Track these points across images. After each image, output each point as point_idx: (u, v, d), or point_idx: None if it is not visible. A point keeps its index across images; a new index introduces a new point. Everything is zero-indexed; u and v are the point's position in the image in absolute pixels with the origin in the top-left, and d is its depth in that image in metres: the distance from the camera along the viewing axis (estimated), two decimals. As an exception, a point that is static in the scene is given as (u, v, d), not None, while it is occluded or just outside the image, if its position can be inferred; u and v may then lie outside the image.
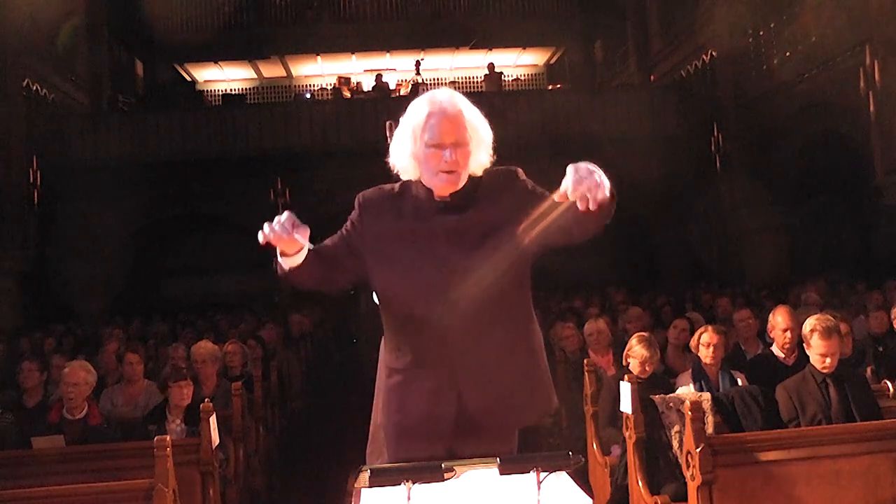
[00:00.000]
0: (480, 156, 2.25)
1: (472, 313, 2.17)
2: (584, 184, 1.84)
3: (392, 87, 17.37)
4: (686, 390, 4.43)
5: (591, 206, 1.84)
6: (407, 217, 2.24)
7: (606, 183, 1.87)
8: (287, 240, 2.06)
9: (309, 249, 2.17)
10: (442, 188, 2.21)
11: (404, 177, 2.28)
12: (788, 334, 4.70)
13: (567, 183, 1.87)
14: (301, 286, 2.31)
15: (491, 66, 17.32)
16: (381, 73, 17.61)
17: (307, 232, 2.08)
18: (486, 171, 2.27)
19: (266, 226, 2.04)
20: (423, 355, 2.22)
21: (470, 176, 2.24)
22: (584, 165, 1.88)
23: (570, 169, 1.88)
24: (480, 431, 2.20)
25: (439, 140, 2.17)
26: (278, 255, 2.17)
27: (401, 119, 2.28)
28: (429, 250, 2.20)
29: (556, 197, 1.97)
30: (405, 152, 2.24)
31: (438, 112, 2.19)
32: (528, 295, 2.33)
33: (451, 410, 2.19)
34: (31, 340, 8.97)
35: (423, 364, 2.22)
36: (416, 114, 2.22)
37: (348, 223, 2.32)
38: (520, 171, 2.27)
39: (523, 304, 2.31)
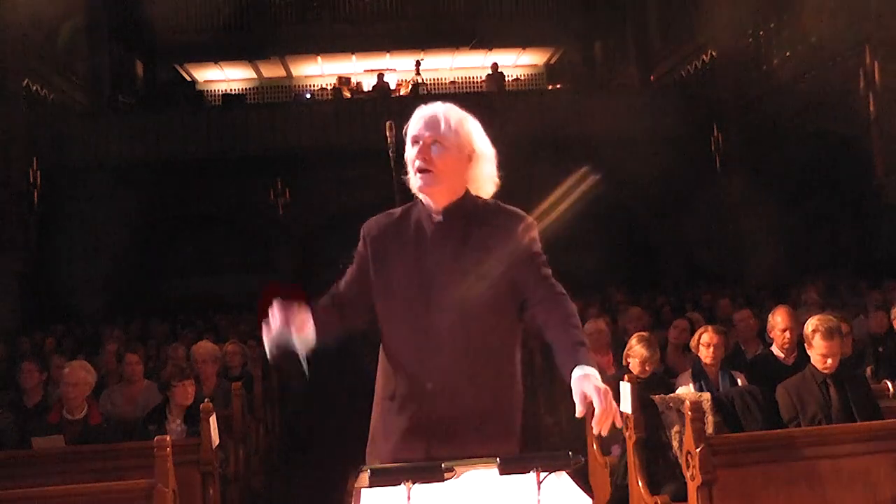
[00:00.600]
0: (478, 169, 2.23)
1: (457, 341, 2.17)
2: (603, 407, 1.86)
3: (392, 87, 17.37)
4: (686, 390, 4.43)
5: (596, 430, 1.88)
6: (406, 239, 2.24)
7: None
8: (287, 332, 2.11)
9: (320, 308, 2.21)
10: (421, 191, 2.20)
11: (413, 189, 2.28)
12: (788, 334, 4.70)
13: (586, 389, 1.89)
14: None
15: (494, 66, 17.32)
16: (383, 72, 17.60)
17: (306, 319, 2.14)
18: (500, 206, 2.26)
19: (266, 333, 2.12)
20: (404, 392, 2.23)
21: (475, 197, 2.24)
22: (604, 387, 1.90)
23: (590, 383, 1.90)
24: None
25: (414, 134, 2.20)
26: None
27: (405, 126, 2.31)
28: (420, 271, 2.19)
29: (568, 373, 1.98)
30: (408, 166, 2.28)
31: (418, 114, 2.23)
32: (515, 334, 2.29)
33: (423, 437, 2.21)
34: (31, 340, 8.97)
35: (401, 400, 2.23)
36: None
37: (356, 256, 2.34)
38: (533, 223, 2.26)
39: (507, 342, 2.27)
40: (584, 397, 1.89)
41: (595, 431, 1.90)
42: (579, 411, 1.89)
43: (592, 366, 1.98)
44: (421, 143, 2.18)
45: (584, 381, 1.92)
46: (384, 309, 2.25)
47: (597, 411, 1.87)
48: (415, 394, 2.21)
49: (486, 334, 2.20)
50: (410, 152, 2.21)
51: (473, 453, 2.04)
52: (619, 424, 1.92)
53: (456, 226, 2.20)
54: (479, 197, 2.26)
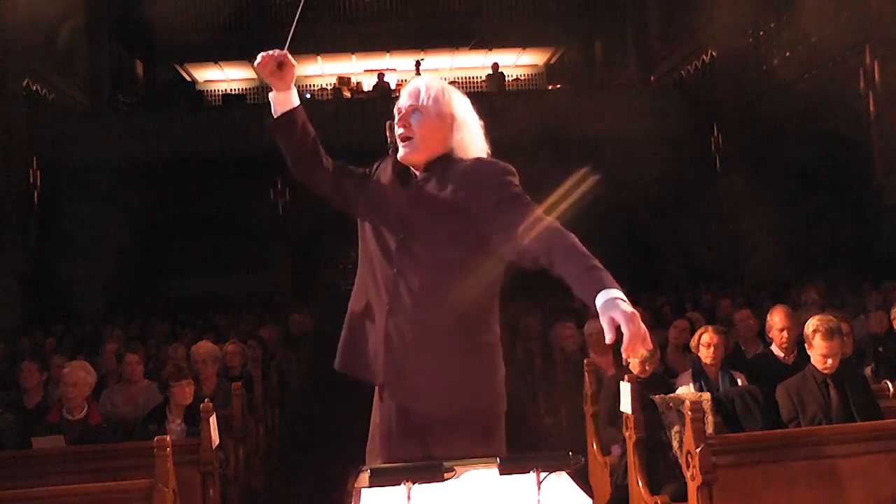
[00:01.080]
0: (459, 133, 2.27)
1: (417, 303, 2.19)
2: (631, 332, 1.82)
3: (392, 87, 17.37)
4: (686, 390, 4.43)
5: (625, 356, 1.87)
6: (382, 183, 2.33)
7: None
8: (273, 63, 2.24)
9: (300, 108, 2.30)
10: (403, 158, 2.27)
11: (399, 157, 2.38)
12: (786, 334, 4.70)
13: (613, 314, 1.85)
14: (288, 154, 2.36)
15: (495, 66, 17.32)
16: (383, 72, 17.59)
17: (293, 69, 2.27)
18: (476, 159, 2.27)
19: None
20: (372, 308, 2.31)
21: (458, 158, 2.26)
22: (631, 311, 1.86)
23: (618, 308, 1.85)
24: (426, 433, 2.20)
25: (398, 106, 2.30)
26: (272, 103, 2.29)
27: None
28: (387, 219, 2.26)
29: (592, 301, 1.93)
30: None
31: (404, 87, 2.35)
32: (491, 304, 2.26)
33: (389, 412, 2.25)
34: (31, 340, 8.97)
35: (370, 314, 2.31)
36: None
37: (366, 171, 2.45)
38: (511, 169, 2.23)
39: (481, 311, 2.24)
40: (612, 321, 1.85)
41: (624, 357, 1.90)
42: (609, 338, 1.86)
43: (614, 286, 1.91)
44: (403, 110, 2.27)
45: (611, 305, 1.86)
46: (363, 250, 2.34)
47: (625, 337, 1.83)
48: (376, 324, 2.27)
49: (458, 294, 2.17)
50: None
51: (446, 427, 2.12)
52: (648, 348, 1.88)
53: (432, 183, 2.24)
54: (462, 159, 2.27)
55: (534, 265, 2.07)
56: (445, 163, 2.25)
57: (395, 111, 2.31)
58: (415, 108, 2.26)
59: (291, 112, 2.30)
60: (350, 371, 2.35)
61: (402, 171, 2.29)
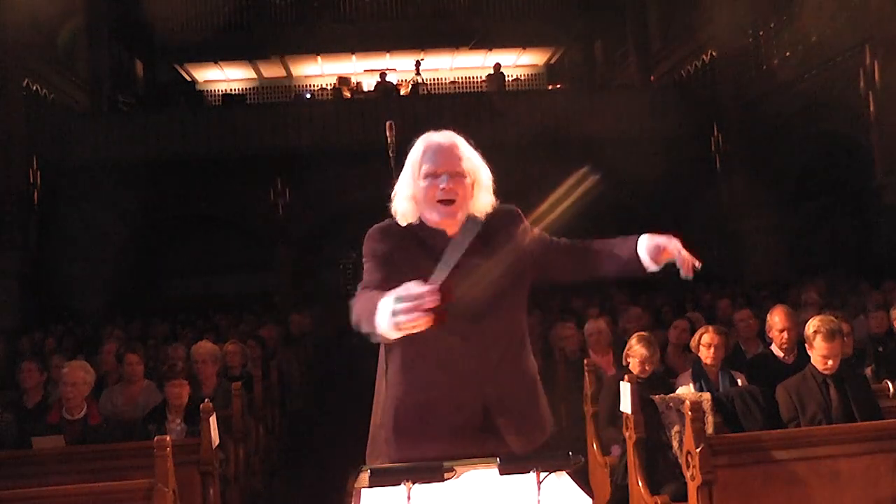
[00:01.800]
0: (482, 198, 2.28)
1: (489, 338, 2.22)
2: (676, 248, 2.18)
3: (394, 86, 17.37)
4: (686, 390, 4.43)
5: (685, 272, 2.21)
6: (419, 252, 2.21)
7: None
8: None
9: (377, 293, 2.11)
10: (442, 222, 2.22)
11: (403, 222, 2.26)
12: (786, 334, 4.71)
13: (657, 241, 2.21)
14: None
15: (497, 66, 17.31)
16: (385, 72, 17.59)
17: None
18: (493, 209, 2.31)
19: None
20: (444, 368, 2.20)
21: (475, 219, 2.27)
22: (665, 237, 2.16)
23: (654, 239, 2.22)
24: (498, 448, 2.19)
25: (434, 169, 2.20)
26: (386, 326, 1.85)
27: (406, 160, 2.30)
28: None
29: (628, 251, 2.23)
30: (405, 194, 2.26)
31: (434, 145, 2.24)
32: (525, 323, 2.38)
33: (479, 416, 2.21)
34: (31, 340, 8.97)
35: (444, 376, 2.20)
36: (413, 153, 2.27)
37: (376, 254, 2.24)
38: (519, 211, 2.35)
39: (524, 331, 2.36)
40: (658, 248, 2.19)
41: (683, 273, 2.17)
42: (652, 264, 2.22)
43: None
44: (445, 176, 2.20)
45: (649, 239, 2.22)
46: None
47: (678, 256, 2.18)
48: (440, 399, 2.20)
49: (509, 332, 2.28)
50: (424, 183, 2.21)
51: (520, 442, 2.20)
52: (697, 264, 2.23)
53: (469, 239, 2.23)
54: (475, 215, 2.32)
55: (563, 273, 2.38)
56: (471, 221, 2.26)
57: (424, 173, 2.21)
58: (455, 172, 2.21)
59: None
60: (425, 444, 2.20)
61: (427, 240, 2.23)
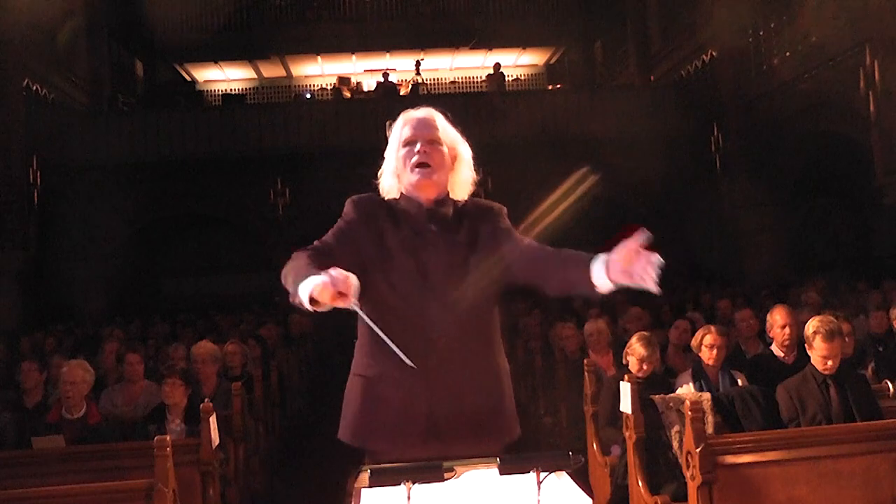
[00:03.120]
0: (463, 172, 2.32)
1: (452, 328, 2.20)
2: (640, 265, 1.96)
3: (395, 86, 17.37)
4: (686, 390, 4.43)
5: (653, 287, 1.95)
6: (400, 224, 2.28)
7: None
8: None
9: (311, 259, 2.13)
10: (418, 185, 2.26)
11: (389, 197, 2.33)
12: (787, 330, 4.71)
13: (614, 253, 1.97)
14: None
15: (497, 66, 17.31)
16: (387, 72, 17.59)
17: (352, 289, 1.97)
18: (473, 201, 2.35)
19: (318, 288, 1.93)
20: (399, 365, 2.14)
21: (455, 201, 2.32)
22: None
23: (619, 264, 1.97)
24: (448, 448, 2.18)
25: (411, 136, 2.28)
26: (302, 297, 1.99)
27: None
28: (417, 260, 2.23)
29: (594, 268, 2.01)
30: (389, 169, 2.34)
31: (413, 118, 2.32)
32: (497, 322, 2.37)
33: (421, 424, 2.21)
34: (31, 340, 8.97)
35: (398, 372, 2.18)
36: (394, 129, 2.34)
37: (342, 222, 2.33)
38: (503, 207, 2.36)
39: (494, 330, 2.35)
40: (614, 258, 1.98)
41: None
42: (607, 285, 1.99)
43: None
44: (419, 142, 2.27)
45: (613, 264, 1.99)
46: (375, 292, 2.21)
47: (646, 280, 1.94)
48: (408, 368, 2.14)
49: (480, 323, 2.28)
50: (403, 152, 2.29)
51: (474, 447, 2.09)
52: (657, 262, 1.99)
53: (446, 219, 2.28)
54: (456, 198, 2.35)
55: (529, 277, 2.23)
56: (449, 202, 2.31)
57: (402, 142, 2.28)
58: (430, 139, 2.27)
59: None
60: (371, 442, 2.33)
61: (409, 212, 2.28)
